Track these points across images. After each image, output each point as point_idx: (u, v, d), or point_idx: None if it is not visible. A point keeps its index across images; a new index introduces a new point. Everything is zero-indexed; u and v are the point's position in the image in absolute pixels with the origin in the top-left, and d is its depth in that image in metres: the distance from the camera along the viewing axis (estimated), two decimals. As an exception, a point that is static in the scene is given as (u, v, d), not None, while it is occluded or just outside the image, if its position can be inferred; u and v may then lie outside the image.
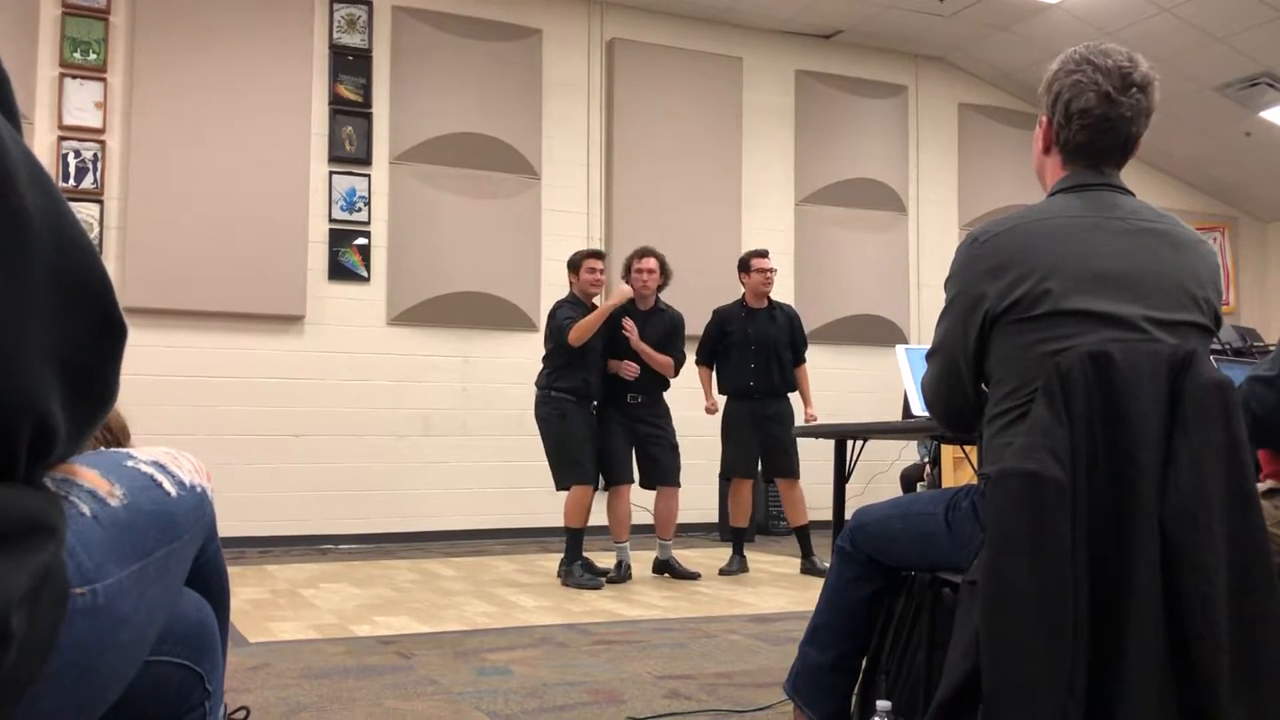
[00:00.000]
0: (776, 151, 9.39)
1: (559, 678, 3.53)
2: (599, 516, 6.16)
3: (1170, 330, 1.90)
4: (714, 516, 8.46)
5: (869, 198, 9.63)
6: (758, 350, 6.36)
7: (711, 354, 6.50)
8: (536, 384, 5.98)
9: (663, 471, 6.05)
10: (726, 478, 6.59)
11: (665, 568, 6.15)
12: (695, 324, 6.45)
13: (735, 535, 6.49)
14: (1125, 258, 1.92)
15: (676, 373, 6.10)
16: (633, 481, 6.06)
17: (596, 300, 6.08)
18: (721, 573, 6.29)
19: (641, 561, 6.33)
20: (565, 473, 5.83)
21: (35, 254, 0.89)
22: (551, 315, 5.94)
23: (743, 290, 6.53)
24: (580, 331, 5.75)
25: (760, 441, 6.36)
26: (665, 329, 6.09)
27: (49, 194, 0.92)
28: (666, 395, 6.14)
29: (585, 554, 5.98)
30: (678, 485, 6.12)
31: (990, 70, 10.01)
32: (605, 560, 6.09)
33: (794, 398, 6.51)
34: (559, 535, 7.75)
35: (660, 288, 6.13)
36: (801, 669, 2.41)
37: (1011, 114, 10.14)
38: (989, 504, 1.81)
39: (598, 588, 5.69)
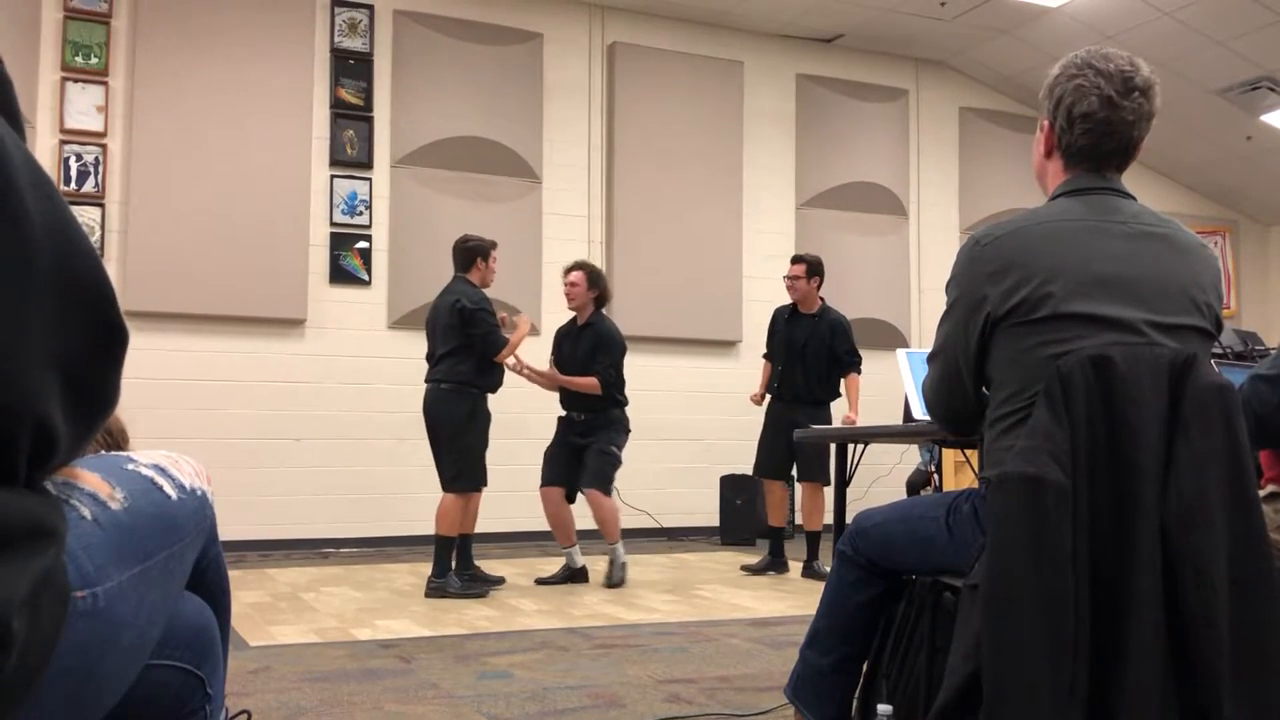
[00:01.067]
0: (777, 155, 9.38)
1: (560, 681, 3.53)
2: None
3: (1171, 334, 1.90)
4: (715, 520, 8.44)
5: (870, 201, 9.63)
6: (787, 354, 6.49)
7: (769, 350, 6.71)
8: (449, 378, 5.62)
9: (584, 474, 5.84)
10: (755, 477, 6.90)
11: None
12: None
13: (771, 535, 6.63)
14: (1126, 261, 1.92)
15: (604, 389, 5.83)
16: (561, 486, 5.90)
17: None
18: (752, 571, 6.43)
19: (641, 565, 6.31)
20: (479, 475, 5.64)
21: (36, 259, 0.89)
22: (482, 312, 5.59)
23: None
24: (503, 355, 5.64)
25: (786, 444, 6.33)
26: (591, 345, 5.91)
27: (50, 198, 0.92)
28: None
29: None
30: (595, 489, 5.81)
31: (991, 74, 10.01)
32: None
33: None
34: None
35: (599, 299, 5.99)
36: (802, 673, 2.41)
37: (1012, 118, 10.13)
38: (990, 508, 1.81)
39: (483, 595, 5.49)
